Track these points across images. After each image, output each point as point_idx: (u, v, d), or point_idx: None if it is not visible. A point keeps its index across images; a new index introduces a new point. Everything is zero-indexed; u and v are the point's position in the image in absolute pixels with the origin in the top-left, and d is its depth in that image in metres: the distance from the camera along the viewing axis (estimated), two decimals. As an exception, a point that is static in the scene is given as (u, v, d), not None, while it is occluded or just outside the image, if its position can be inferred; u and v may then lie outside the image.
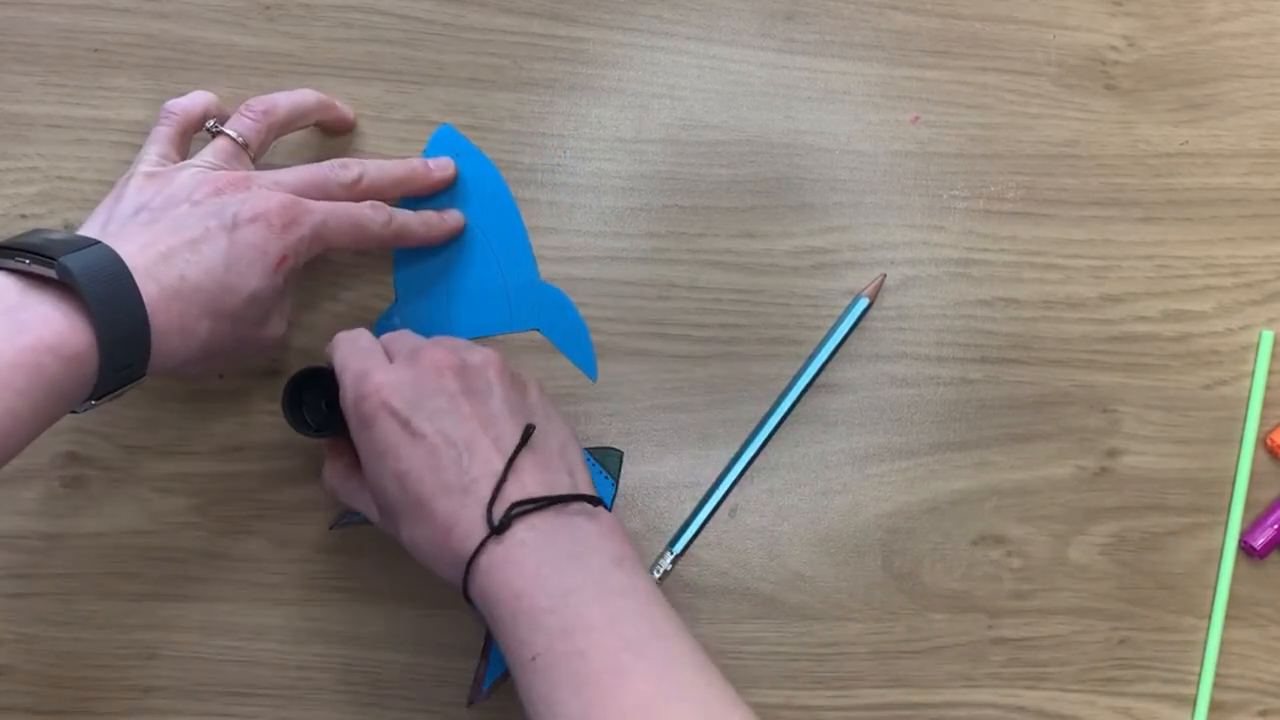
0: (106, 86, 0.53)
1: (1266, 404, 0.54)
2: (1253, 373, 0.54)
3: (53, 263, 0.38)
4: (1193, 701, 0.53)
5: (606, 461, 0.53)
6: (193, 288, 0.41)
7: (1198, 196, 0.55)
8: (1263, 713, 0.54)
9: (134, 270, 0.40)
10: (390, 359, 0.44)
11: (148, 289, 0.40)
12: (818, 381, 0.53)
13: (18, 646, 0.52)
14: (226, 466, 0.52)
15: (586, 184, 0.54)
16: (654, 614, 0.39)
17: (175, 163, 0.46)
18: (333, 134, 0.52)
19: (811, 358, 0.53)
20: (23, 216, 0.52)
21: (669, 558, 0.51)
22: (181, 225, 0.42)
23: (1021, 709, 0.53)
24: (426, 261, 0.53)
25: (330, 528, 0.52)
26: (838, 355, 0.53)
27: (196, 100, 0.48)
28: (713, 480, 0.53)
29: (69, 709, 0.52)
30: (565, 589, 0.38)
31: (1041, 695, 0.53)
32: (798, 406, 0.53)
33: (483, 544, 0.39)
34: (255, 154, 0.48)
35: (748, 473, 0.53)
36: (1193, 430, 0.54)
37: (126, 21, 0.53)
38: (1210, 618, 0.53)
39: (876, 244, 0.54)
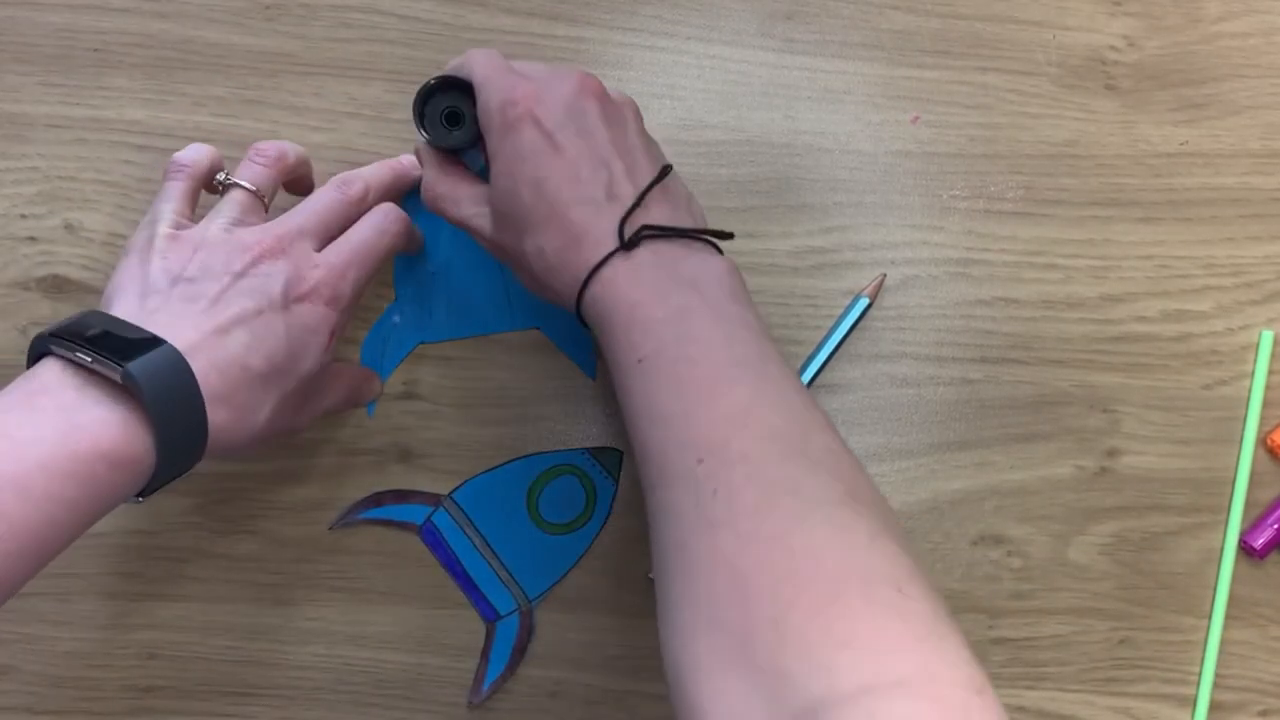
0: (106, 86, 0.53)
1: (1266, 404, 0.54)
2: (1253, 373, 0.54)
3: (118, 368, 0.37)
4: (1193, 701, 0.53)
5: (606, 461, 0.53)
6: (255, 375, 0.41)
7: (1198, 196, 0.55)
8: (1263, 713, 0.54)
9: (193, 356, 0.39)
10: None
11: (210, 381, 0.40)
12: (818, 381, 0.53)
13: (18, 646, 0.52)
14: (226, 466, 0.52)
15: (586, 184, 0.54)
16: (763, 343, 0.40)
17: (190, 219, 0.45)
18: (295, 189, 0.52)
19: (811, 358, 0.53)
20: (23, 216, 0.52)
21: (669, 557, 0.51)
22: (230, 301, 0.41)
23: (1021, 709, 0.53)
24: (427, 261, 0.53)
25: (330, 528, 0.52)
26: (838, 355, 0.53)
27: (202, 153, 0.47)
28: (713, 480, 0.53)
29: (69, 709, 0.52)
30: (683, 306, 0.39)
31: (1041, 695, 0.53)
32: (798, 406, 0.53)
33: (609, 256, 0.41)
34: (269, 200, 0.47)
35: (748, 473, 0.53)
36: (1193, 430, 0.54)
37: (126, 21, 0.53)
38: (1210, 618, 0.53)
39: (876, 244, 0.54)
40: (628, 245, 0.41)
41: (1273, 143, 0.55)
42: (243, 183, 0.46)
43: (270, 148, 0.47)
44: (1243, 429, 0.54)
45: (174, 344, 0.39)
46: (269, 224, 0.45)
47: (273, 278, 0.42)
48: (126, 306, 0.41)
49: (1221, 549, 0.54)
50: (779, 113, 0.54)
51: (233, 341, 0.41)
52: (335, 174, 0.52)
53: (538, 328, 0.53)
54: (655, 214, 0.42)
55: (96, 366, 0.38)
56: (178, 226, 0.44)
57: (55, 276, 0.52)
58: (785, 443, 0.36)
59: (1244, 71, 0.55)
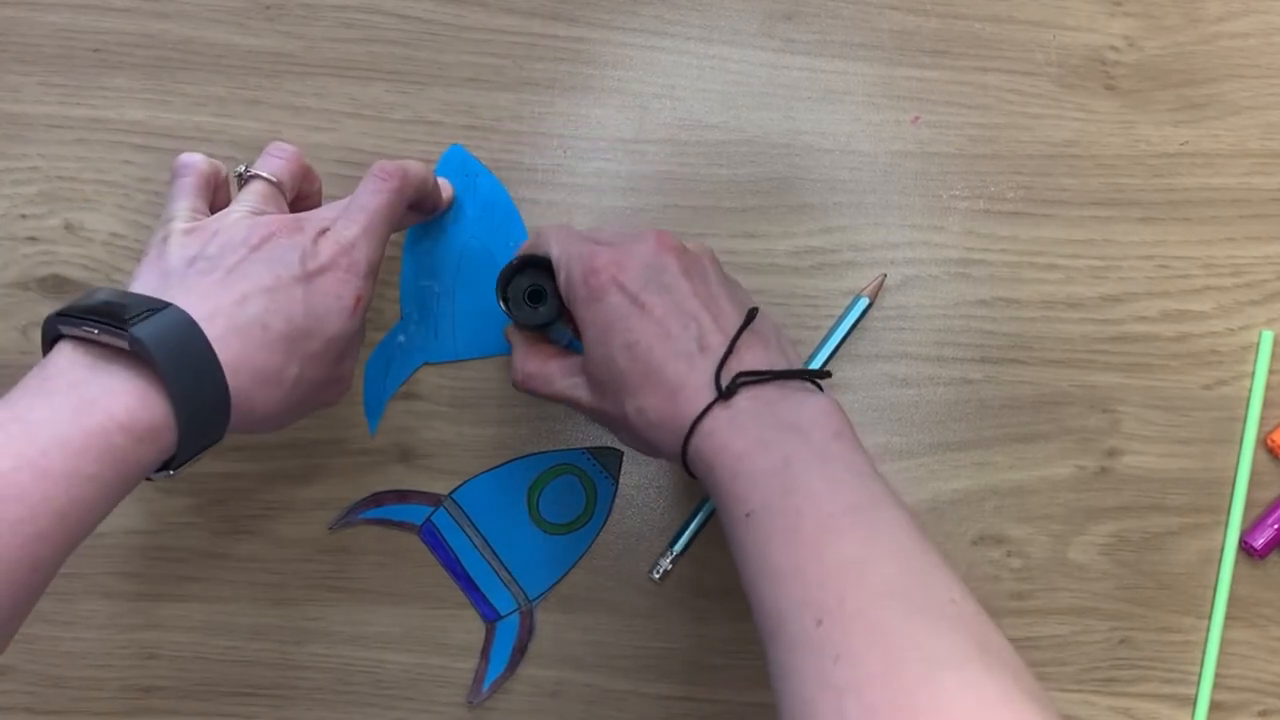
0: (106, 86, 0.53)
1: (1266, 404, 0.54)
2: (1253, 373, 0.54)
3: (123, 333, 0.37)
4: (1193, 701, 0.53)
5: (606, 461, 0.53)
6: (276, 335, 0.41)
7: (1198, 196, 0.55)
8: (1263, 713, 0.54)
9: (211, 322, 0.39)
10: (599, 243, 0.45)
11: (230, 345, 0.39)
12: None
13: (18, 646, 0.52)
14: (226, 466, 0.52)
15: (586, 184, 0.54)
16: (871, 484, 0.39)
17: (205, 214, 0.45)
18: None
19: (811, 358, 0.53)
20: (23, 216, 0.52)
21: (669, 557, 0.51)
22: (248, 272, 0.41)
23: (1021, 709, 0.53)
24: (433, 281, 0.53)
25: (330, 528, 0.52)
26: (838, 355, 0.53)
27: (204, 158, 0.46)
28: (713, 480, 0.53)
29: (69, 709, 0.52)
30: (786, 454, 0.39)
31: (1041, 695, 0.53)
32: (798, 406, 0.53)
33: (709, 407, 0.41)
34: (289, 194, 0.47)
35: (748, 473, 0.53)
36: (1193, 430, 0.54)
37: (126, 21, 0.53)
38: (1210, 618, 0.53)
39: (876, 244, 0.54)
40: (725, 394, 0.41)
41: (1273, 143, 0.55)
42: (263, 173, 0.46)
43: (288, 145, 0.47)
44: (1243, 429, 0.54)
45: (190, 312, 0.39)
46: (296, 214, 0.45)
47: (290, 250, 0.42)
48: (144, 289, 0.41)
49: (1221, 549, 0.54)
50: (779, 113, 0.54)
51: (251, 306, 0.40)
52: (335, 175, 0.53)
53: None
54: (748, 358, 0.42)
55: (103, 337, 0.37)
56: (194, 220, 0.44)
57: (55, 276, 0.52)
58: (904, 598, 0.35)
59: (1244, 71, 0.55)
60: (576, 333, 0.45)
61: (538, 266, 0.46)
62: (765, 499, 0.38)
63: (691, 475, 0.42)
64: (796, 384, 0.42)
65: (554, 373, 0.46)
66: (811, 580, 0.36)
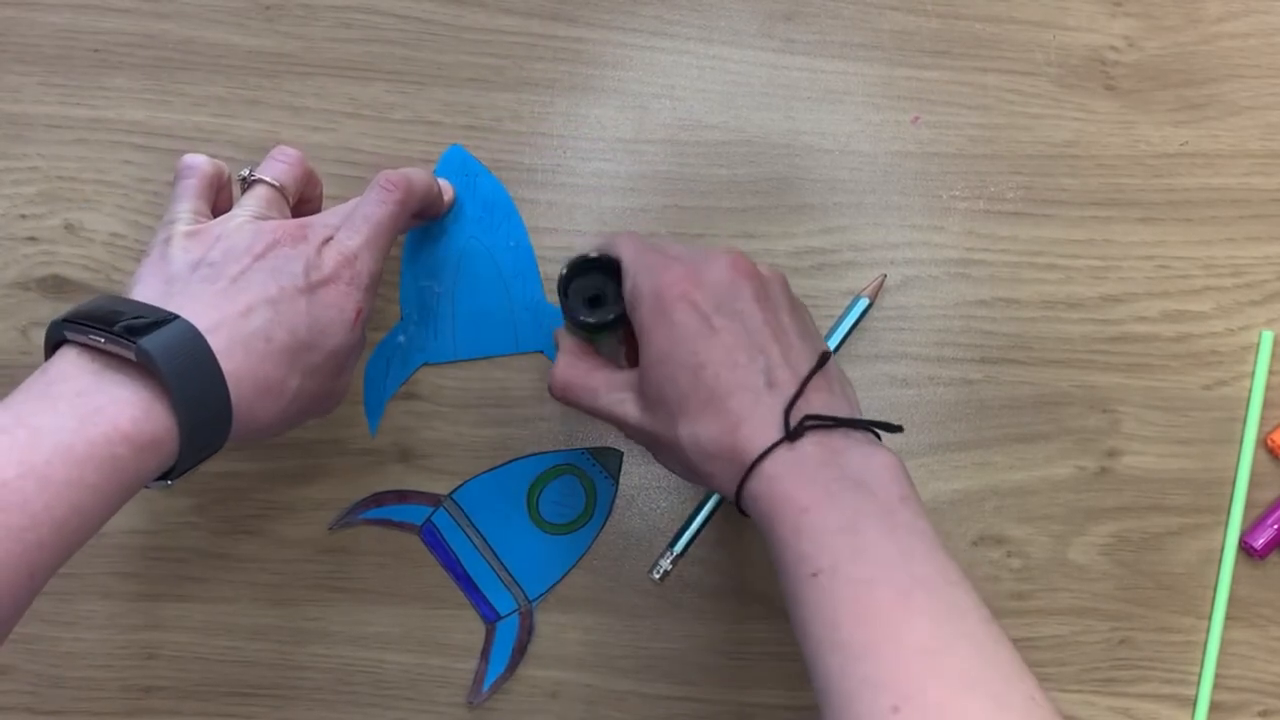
0: (106, 86, 0.53)
1: (1266, 404, 0.54)
2: (1253, 373, 0.54)
3: (131, 344, 0.37)
4: (1193, 701, 0.53)
5: (607, 461, 0.53)
6: (279, 347, 0.41)
7: (1198, 196, 0.55)
8: (1263, 713, 0.54)
9: (215, 333, 0.39)
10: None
11: (234, 357, 0.39)
12: (818, 381, 0.53)
13: (18, 646, 0.52)
14: (226, 466, 0.52)
15: (586, 184, 0.54)
16: (940, 558, 0.38)
17: (207, 216, 0.45)
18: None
19: (811, 358, 0.53)
20: (23, 216, 0.52)
21: (669, 558, 0.51)
22: (251, 282, 0.41)
23: (1021, 709, 0.53)
24: (433, 282, 0.53)
25: (330, 528, 0.52)
26: (838, 355, 0.53)
27: (208, 159, 0.46)
28: (713, 480, 0.53)
29: (69, 709, 0.52)
30: (856, 513, 0.38)
31: (1041, 695, 0.53)
32: (798, 406, 0.53)
33: (773, 447, 0.39)
34: (292, 199, 0.47)
35: (748, 473, 0.53)
36: (1193, 430, 0.54)
37: (126, 21, 0.53)
38: (1210, 618, 0.53)
39: (876, 244, 0.54)
40: (792, 436, 0.39)
41: (1273, 143, 0.55)
42: (266, 178, 0.46)
43: (291, 150, 0.47)
44: (1243, 429, 0.54)
45: (195, 323, 0.38)
46: (299, 219, 0.45)
47: (293, 260, 0.42)
48: (147, 294, 0.41)
49: (1221, 549, 0.54)
50: (779, 113, 0.54)
51: (255, 318, 0.40)
52: (335, 175, 0.53)
53: (542, 350, 0.53)
54: (815, 401, 0.41)
55: (110, 346, 0.37)
56: (196, 223, 0.44)
57: (55, 276, 0.52)
58: (985, 692, 0.34)
59: (1244, 71, 0.55)
60: (626, 347, 0.44)
61: (601, 270, 0.45)
62: (834, 561, 0.37)
63: (743, 513, 0.41)
64: (860, 434, 0.41)
65: (599, 385, 0.45)
66: (887, 662, 0.34)
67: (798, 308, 0.45)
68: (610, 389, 0.44)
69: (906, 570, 0.37)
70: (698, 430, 0.41)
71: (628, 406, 0.44)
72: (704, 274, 0.42)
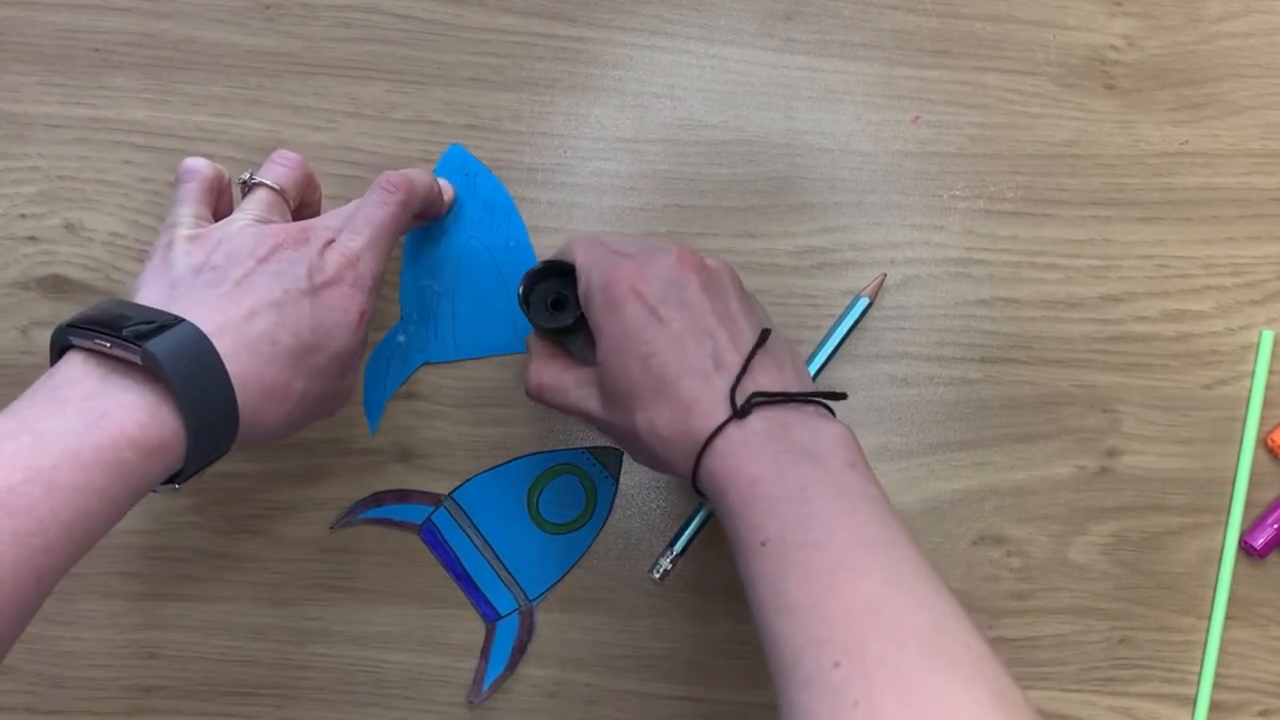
0: (106, 86, 0.53)
1: (1266, 404, 0.54)
2: (1253, 373, 0.54)
3: (137, 348, 0.37)
4: (1193, 701, 0.53)
5: (606, 461, 0.53)
6: (284, 350, 0.41)
7: (1198, 196, 0.55)
8: (1263, 713, 0.54)
9: (220, 337, 0.39)
10: (623, 255, 0.45)
11: (239, 360, 0.39)
12: (818, 382, 0.53)
13: (18, 646, 0.51)
14: (226, 466, 0.52)
15: (586, 184, 0.54)
16: (886, 519, 0.39)
17: (209, 220, 0.45)
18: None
19: (811, 358, 0.53)
20: (23, 216, 0.52)
21: (669, 558, 0.51)
22: (255, 285, 0.41)
23: (1021, 709, 0.53)
24: (433, 281, 0.53)
25: (330, 528, 0.52)
26: (838, 355, 0.53)
27: (208, 163, 0.46)
28: (713, 480, 0.53)
29: (69, 709, 0.52)
30: (802, 482, 0.39)
31: (1041, 695, 0.53)
32: (798, 406, 0.53)
33: (722, 426, 0.40)
34: (292, 202, 0.47)
35: (748, 473, 0.53)
36: (1193, 430, 0.54)
37: (126, 21, 0.53)
38: (1210, 618, 0.53)
39: (876, 244, 0.54)
40: (740, 413, 0.40)
41: (1273, 143, 0.55)
42: (267, 181, 0.46)
43: (292, 153, 0.47)
44: (1243, 429, 0.54)
45: (200, 326, 0.39)
46: (301, 223, 0.45)
47: (296, 263, 0.42)
48: (151, 299, 0.41)
49: (1221, 549, 0.54)
50: (779, 113, 0.54)
51: (260, 321, 0.40)
52: (335, 174, 0.53)
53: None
54: (762, 379, 0.42)
55: (116, 351, 0.37)
56: (198, 226, 0.44)
57: (55, 276, 0.52)
58: (924, 645, 0.34)
59: (1244, 71, 0.55)
60: (592, 346, 0.45)
61: (562, 275, 0.46)
62: (781, 528, 0.38)
63: (700, 494, 0.42)
64: (810, 408, 0.42)
65: (568, 384, 0.46)
66: (830, 619, 0.35)
67: (745, 296, 0.46)
68: (578, 385, 0.46)
69: (851, 532, 0.38)
70: (652, 417, 0.42)
71: (592, 401, 0.45)
72: (651, 268, 0.43)
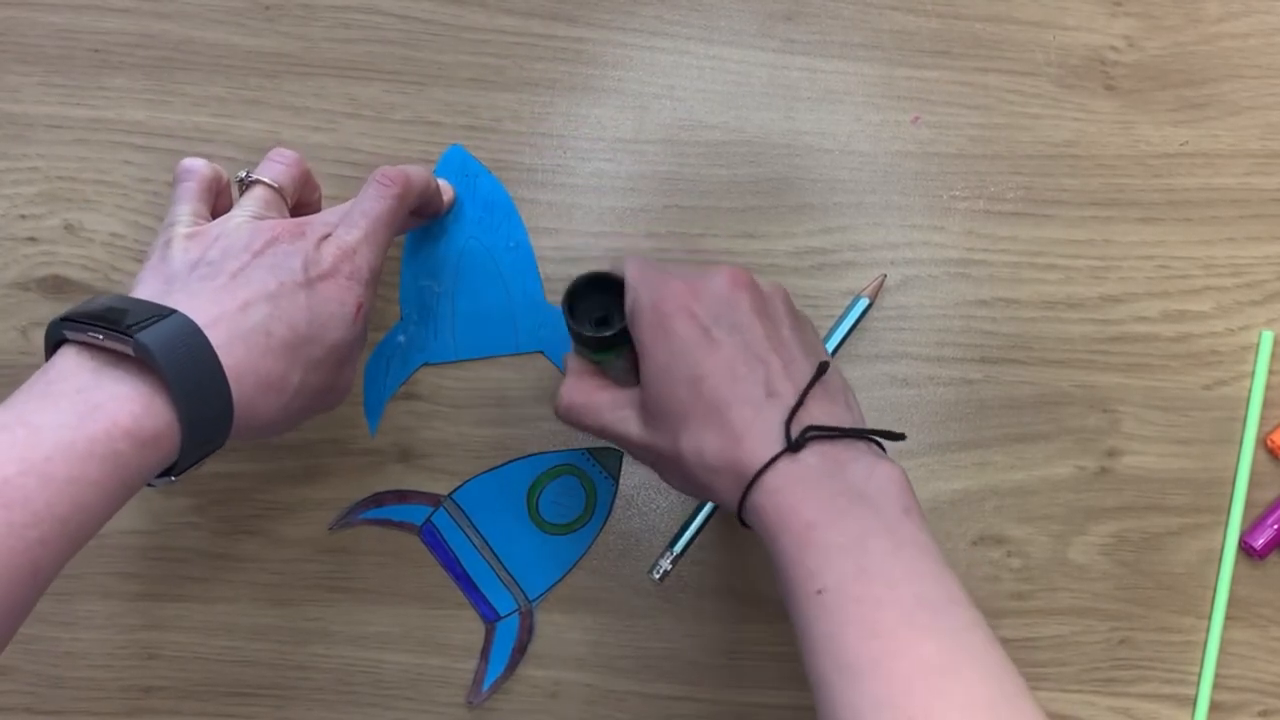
0: (106, 86, 0.53)
1: (1266, 404, 0.54)
2: (1253, 373, 0.54)
3: (128, 339, 0.37)
4: (1193, 701, 0.53)
5: (606, 462, 0.53)
6: (279, 342, 0.41)
7: (1198, 196, 0.55)
8: (1263, 713, 0.54)
9: (214, 328, 0.39)
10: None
11: (234, 352, 0.39)
12: (818, 381, 0.53)
13: (18, 646, 0.52)
14: (226, 466, 0.52)
15: (586, 184, 0.54)
16: (944, 575, 0.38)
17: (207, 218, 0.45)
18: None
19: (811, 358, 0.53)
20: (23, 216, 0.52)
21: (669, 558, 0.51)
22: (250, 278, 0.41)
23: (1021, 709, 0.53)
24: (433, 282, 0.53)
25: (330, 528, 0.52)
26: (838, 355, 0.53)
27: (206, 162, 0.46)
28: (713, 480, 0.53)
29: (69, 709, 0.52)
30: (862, 530, 0.38)
31: (1041, 695, 0.53)
32: (798, 406, 0.53)
33: (774, 459, 0.39)
34: (290, 200, 0.47)
35: (748, 473, 0.53)
36: (1193, 430, 0.54)
37: (126, 21, 0.53)
38: (1210, 618, 0.53)
39: (876, 244, 0.54)
40: (794, 448, 0.39)
41: (1273, 143, 0.55)
42: (264, 179, 0.46)
43: (289, 151, 0.47)
44: (1243, 429, 0.54)
45: (194, 318, 0.38)
46: (298, 219, 0.45)
47: (292, 256, 0.42)
48: (147, 294, 0.41)
49: (1221, 549, 0.54)
50: (779, 113, 0.54)
51: (254, 313, 0.40)
52: (335, 175, 0.53)
53: (541, 350, 0.53)
54: (816, 412, 0.40)
55: (109, 343, 0.37)
56: (196, 224, 0.44)
57: (55, 276, 0.52)
58: (989, 713, 0.34)
59: (1244, 71, 0.55)
60: (632, 367, 0.44)
61: (606, 290, 0.45)
62: (839, 580, 0.37)
63: (745, 525, 0.41)
64: (863, 444, 0.41)
65: (603, 404, 0.45)
66: (893, 682, 0.34)
67: (800, 321, 0.45)
68: (614, 407, 0.45)
69: (911, 589, 0.37)
70: (700, 443, 0.41)
71: (630, 424, 0.44)
72: (703, 287, 0.42)
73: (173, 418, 0.38)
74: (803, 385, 0.41)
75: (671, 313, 0.42)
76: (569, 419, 0.46)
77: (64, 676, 0.52)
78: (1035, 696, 0.35)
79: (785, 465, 0.39)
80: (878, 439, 0.42)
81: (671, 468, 0.43)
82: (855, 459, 0.40)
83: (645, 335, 0.42)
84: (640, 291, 0.43)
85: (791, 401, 0.40)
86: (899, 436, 0.42)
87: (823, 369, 0.42)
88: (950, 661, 0.35)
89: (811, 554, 0.37)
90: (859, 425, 0.42)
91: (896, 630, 0.35)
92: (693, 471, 0.41)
